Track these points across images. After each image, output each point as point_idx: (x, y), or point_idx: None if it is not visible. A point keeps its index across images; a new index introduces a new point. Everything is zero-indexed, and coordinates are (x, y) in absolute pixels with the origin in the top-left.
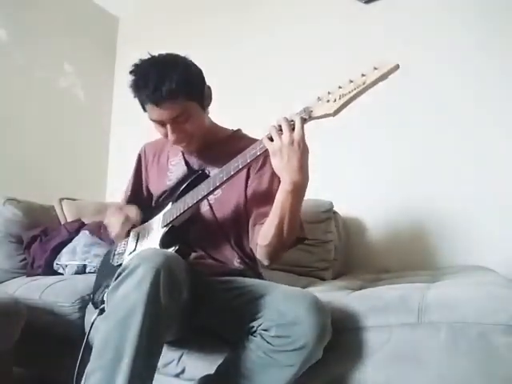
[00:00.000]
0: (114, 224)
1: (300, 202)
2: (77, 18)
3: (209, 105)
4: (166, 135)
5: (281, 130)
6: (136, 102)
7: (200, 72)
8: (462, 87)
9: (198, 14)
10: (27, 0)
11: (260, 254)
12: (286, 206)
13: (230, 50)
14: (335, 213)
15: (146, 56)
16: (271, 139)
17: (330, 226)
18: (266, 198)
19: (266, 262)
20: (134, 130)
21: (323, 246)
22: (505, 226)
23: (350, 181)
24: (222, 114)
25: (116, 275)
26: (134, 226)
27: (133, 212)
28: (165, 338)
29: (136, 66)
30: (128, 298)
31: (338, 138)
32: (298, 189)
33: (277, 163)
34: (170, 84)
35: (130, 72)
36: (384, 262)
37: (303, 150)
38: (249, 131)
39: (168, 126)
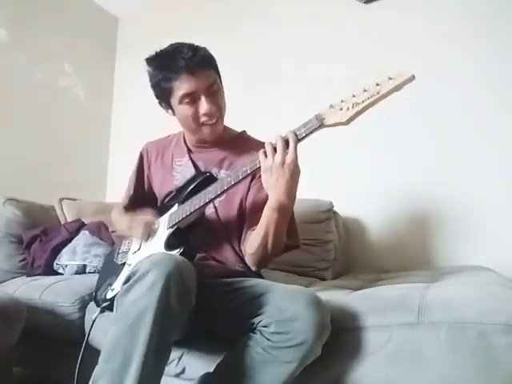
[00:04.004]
0: (137, 224)
1: (285, 219)
2: (77, 18)
3: None
4: (194, 115)
5: (275, 147)
6: (136, 103)
7: None
8: (462, 87)
9: (198, 13)
10: (27, 0)
11: (248, 259)
12: (270, 222)
13: (229, 51)
14: (335, 213)
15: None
16: (266, 154)
17: (330, 226)
18: (262, 205)
19: (253, 268)
20: (134, 129)
21: (323, 246)
22: (505, 226)
23: (350, 181)
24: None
25: (126, 278)
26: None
27: (148, 212)
28: (172, 342)
29: (160, 50)
30: (138, 303)
31: (338, 138)
32: (283, 209)
33: (266, 180)
34: (203, 51)
35: (154, 57)
36: (384, 262)
37: (293, 173)
38: (249, 131)
39: (202, 98)
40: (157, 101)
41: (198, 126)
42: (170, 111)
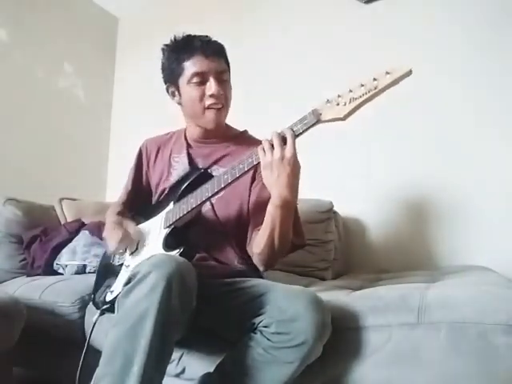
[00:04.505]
0: (112, 239)
1: (290, 214)
2: (77, 18)
3: None
4: (201, 97)
5: (273, 144)
6: (135, 102)
7: None
8: (461, 87)
9: (198, 14)
10: (27, 0)
11: (255, 260)
12: (275, 220)
13: (229, 51)
14: (335, 213)
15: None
16: (264, 151)
17: (330, 226)
18: (265, 204)
19: (261, 268)
20: (133, 129)
21: (323, 246)
22: (506, 227)
23: (350, 181)
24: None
25: (126, 280)
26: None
27: (131, 229)
28: (174, 343)
29: (175, 36)
30: (139, 305)
31: (338, 138)
32: (287, 204)
33: (267, 177)
34: (218, 42)
35: (173, 39)
36: (384, 262)
37: (293, 168)
38: (249, 131)
39: (211, 80)
40: (164, 86)
41: (202, 109)
42: (176, 97)
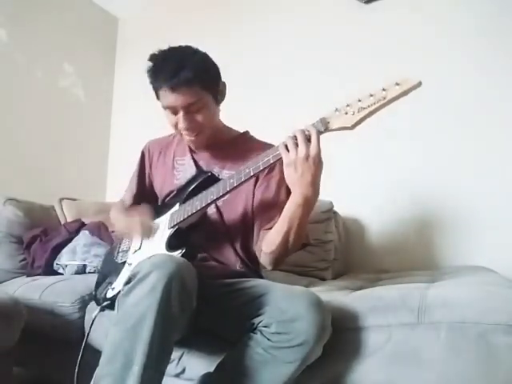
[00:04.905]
0: (134, 225)
1: (308, 214)
2: (77, 18)
3: (222, 101)
4: (175, 125)
5: (297, 141)
6: (135, 102)
7: (217, 66)
8: (462, 86)
9: (198, 14)
10: (27, 0)
11: (264, 259)
12: (294, 218)
13: (229, 51)
14: (335, 213)
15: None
16: (287, 149)
17: (330, 226)
18: (272, 202)
19: (269, 268)
20: (133, 129)
21: (323, 246)
22: (506, 227)
23: (350, 181)
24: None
25: (127, 280)
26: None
27: (144, 209)
28: (173, 343)
29: (155, 53)
30: (139, 305)
31: (338, 138)
32: (308, 203)
33: (290, 175)
34: (188, 71)
35: (149, 59)
36: (384, 262)
37: (318, 166)
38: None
39: (180, 114)
40: None
41: (179, 133)
42: None
